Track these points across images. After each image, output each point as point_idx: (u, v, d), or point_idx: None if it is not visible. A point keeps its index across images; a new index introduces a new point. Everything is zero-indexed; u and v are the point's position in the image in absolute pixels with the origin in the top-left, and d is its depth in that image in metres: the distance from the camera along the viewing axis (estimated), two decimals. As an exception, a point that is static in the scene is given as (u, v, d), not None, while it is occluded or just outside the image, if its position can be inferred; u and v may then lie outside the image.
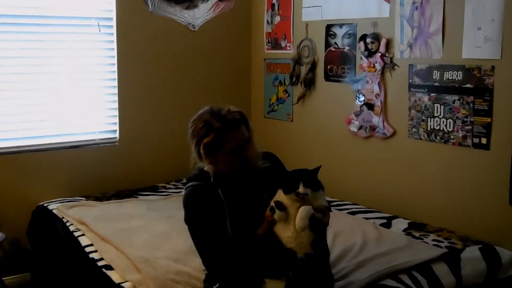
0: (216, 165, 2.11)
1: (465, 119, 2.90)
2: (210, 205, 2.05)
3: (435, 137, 3.06)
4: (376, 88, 3.35)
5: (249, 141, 2.09)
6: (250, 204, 2.08)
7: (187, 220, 2.08)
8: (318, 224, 1.92)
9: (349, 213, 3.31)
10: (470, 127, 2.89)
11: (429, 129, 3.09)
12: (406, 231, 2.97)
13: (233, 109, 2.10)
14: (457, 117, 2.94)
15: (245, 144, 2.08)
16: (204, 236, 2.04)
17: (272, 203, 1.96)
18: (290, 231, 1.92)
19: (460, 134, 2.93)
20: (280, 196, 1.97)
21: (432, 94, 3.05)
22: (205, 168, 2.17)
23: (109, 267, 2.59)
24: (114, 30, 3.79)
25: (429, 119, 3.08)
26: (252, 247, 1.99)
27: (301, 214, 1.90)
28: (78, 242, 2.93)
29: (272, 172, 2.17)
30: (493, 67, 2.76)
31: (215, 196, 2.07)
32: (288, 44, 3.99)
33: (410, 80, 3.16)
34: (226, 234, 2.02)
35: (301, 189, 1.91)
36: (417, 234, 2.92)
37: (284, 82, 4.06)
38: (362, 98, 3.45)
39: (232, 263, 2.00)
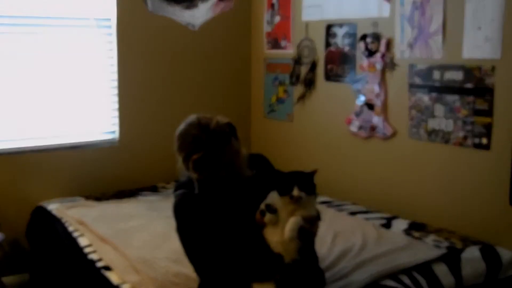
0: (205, 177, 2.07)
1: (466, 119, 2.90)
2: (200, 213, 2.03)
3: (436, 137, 3.05)
4: (376, 88, 3.35)
5: (238, 153, 2.06)
6: (238, 211, 2.06)
7: (178, 229, 2.05)
8: (306, 234, 1.94)
9: (349, 213, 3.30)
10: (470, 127, 2.88)
11: (429, 129, 3.08)
12: (406, 232, 2.97)
13: (221, 121, 2.04)
14: (457, 117, 2.94)
15: (235, 157, 2.05)
16: (197, 245, 2.01)
17: (263, 206, 1.95)
18: (279, 235, 1.92)
19: (461, 134, 2.93)
20: (272, 198, 1.97)
21: (433, 94, 3.04)
22: (194, 176, 2.13)
23: (108, 268, 2.59)
24: (114, 30, 3.79)
25: (429, 119, 3.08)
26: (241, 251, 1.97)
27: (291, 225, 1.90)
28: (77, 242, 2.93)
29: (260, 176, 2.14)
30: (493, 67, 2.76)
31: (204, 204, 2.06)
32: (288, 44, 3.99)
33: (410, 80, 3.16)
34: (218, 241, 2.00)
35: (295, 192, 1.91)
36: (417, 234, 2.91)
37: (284, 82, 4.05)
38: (362, 98, 3.45)
39: (226, 270, 1.99)
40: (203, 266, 2.04)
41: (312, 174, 1.99)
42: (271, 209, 1.94)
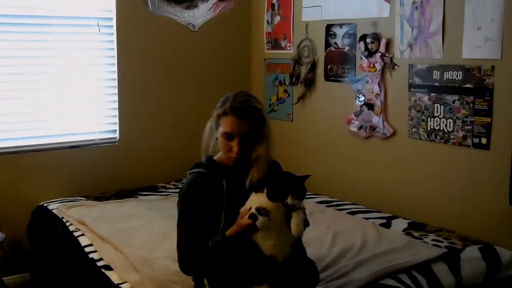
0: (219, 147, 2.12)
1: (465, 119, 2.90)
2: (207, 195, 2.05)
3: (435, 137, 3.06)
4: (376, 88, 3.35)
5: (246, 138, 2.05)
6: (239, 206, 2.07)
7: (179, 205, 2.08)
8: (305, 226, 1.98)
9: (349, 213, 3.30)
10: (470, 127, 2.89)
11: (429, 129, 3.09)
12: (406, 231, 2.97)
13: (253, 103, 2.10)
14: (457, 117, 2.94)
15: (239, 137, 2.04)
16: (186, 226, 2.03)
17: (254, 210, 1.91)
18: (273, 238, 1.92)
19: (460, 134, 2.93)
20: (259, 201, 1.94)
21: (432, 94, 3.05)
22: (215, 157, 2.16)
23: (108, 268, 2.59)
24: (114, 30, 3.79)
25: (429, 119, 3.08)
26: (219, 248, 1.98)
27: (298, 220, 1.90)
28: (78, 242, 2.93)
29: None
30: (493, 67, 2.76)
31: (217, 187, 2.07)
32: (288, 44, 3.99)
33: (410, 80, 3.16)
34: (207, 229, 2.01)
35: (289, 200, 1.90)
36: (416, 234, 2.91)
37: (284, 82, 4.06)
38: (362, 98, 3.45)
39: (196, 259, 2.00)
40: (182, 245, 2.03)
41: (304, 178, 1.98)
42: (262, 212, 1.90)
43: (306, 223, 1.98)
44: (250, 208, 1.94)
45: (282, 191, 1.91)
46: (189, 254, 2.01)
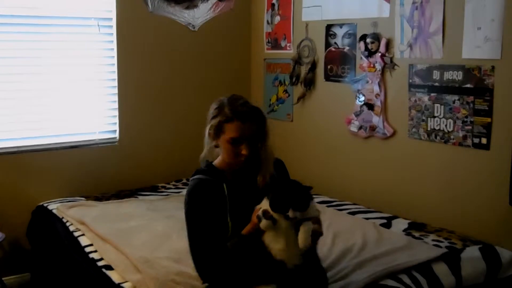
0: (221, 152, 2.12)
1: (465, 119, 2.90)
2: (211, 200, 2.06)
3: (435, 137, 3.06)
4: (376, 88, 3.35)
5: (252, 139, 2.07)
6: (253, 203, 2.07)
7: (186, 212, 2.09)
8: (317, 236, 1.96)
9: (349, 213, 3.31)
10: (470, 127, 2.89)
11: (429, 129, 3.09)
12: (406, 231, 2.97)
13: (251, 104, 2.12)
14: (457, 117, 2.94)
15: (246, 140, 2.06)
16: (198, 231, 2.04)
17: (260, 212, 1.93)
18: (281, 244, 1.93)
19: (460, 134, 2.93)
20: (267, 206, 1.95)
21: (432, 94, 3.05)
22: (214, 163, 2.17)
23: (109, 267, 2.59)
24: (114, 30, 3.79)
25: (429, 119, 3.08)
26: (237, 247, 1.99)
27: (305, 234, 1.90)
28: (78, 242, 2.93)
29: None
30: (493, 67, 2.76)
31: (219, 191, 2.08)
32: (288, 44, 3.99)
33: (410, 80, 3.16)
34: (219, 232, 2.02)
35: (290, 213, 1.91)
36: (417, 234, 2.91)
37: (284, 82, 4.06)
38: (362, 98, 3.45)
39: (217, 262, 2.00)
40: (199, 254, 2.03)
41: (306, 189, 1.98)
42: (268, 215, 1.93)
43: (318, 234, 1.96)
44: (260, 209, 1.97)
45: (283, 204, 1.92)
46: (209, 259, 2.01)
